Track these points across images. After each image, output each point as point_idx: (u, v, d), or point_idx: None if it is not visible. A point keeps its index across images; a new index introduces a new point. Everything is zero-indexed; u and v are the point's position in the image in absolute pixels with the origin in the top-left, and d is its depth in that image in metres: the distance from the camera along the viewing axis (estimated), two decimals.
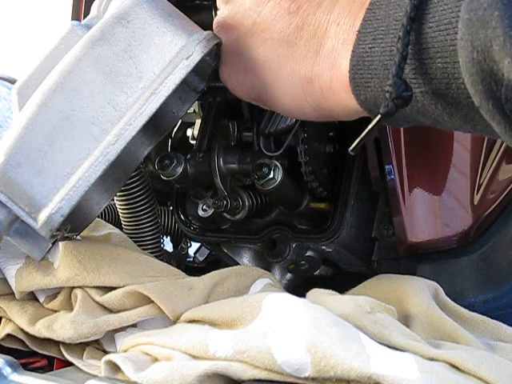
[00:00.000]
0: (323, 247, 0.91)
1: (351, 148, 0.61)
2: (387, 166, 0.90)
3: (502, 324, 0.81)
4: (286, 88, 0.69)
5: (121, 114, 0.72)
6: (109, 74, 0.72)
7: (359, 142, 0.60)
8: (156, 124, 0.89)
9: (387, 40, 0.58)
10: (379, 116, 0.57)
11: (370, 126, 0.59)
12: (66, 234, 0.83)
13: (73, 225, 0.84)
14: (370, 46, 0.59)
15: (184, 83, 0.85)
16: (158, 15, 0.73)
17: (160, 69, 0.72)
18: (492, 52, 0.46)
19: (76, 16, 1.19)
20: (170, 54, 0.73)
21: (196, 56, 0.72)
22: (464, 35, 0.48)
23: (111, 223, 1.03)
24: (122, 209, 1.00)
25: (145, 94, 0.72)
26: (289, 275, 0.99)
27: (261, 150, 0.89)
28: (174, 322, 0.79)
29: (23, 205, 0.72)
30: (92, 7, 0.81)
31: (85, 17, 0.82)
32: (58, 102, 0.72)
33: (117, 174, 0.89)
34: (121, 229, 1.00)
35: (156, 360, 0.71)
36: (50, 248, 0.79)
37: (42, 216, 0.72)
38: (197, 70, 0.81)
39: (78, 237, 0.88)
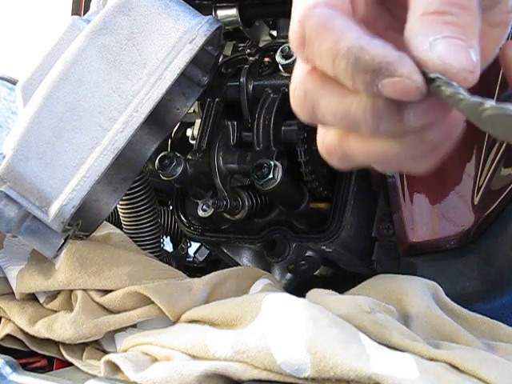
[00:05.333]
0: (323, 247, 0.91)
1: None
2: None
3: (501, 324, 0.81)
4: None
5: (127, 101, 0.72)
6: (113, 62, 0.72)
7: None
8: (161, 120, 0.89)
9: None
10: None
11: None
12: (77, 232, 0.82)
13: (84, 224, 0.83)
14: None
15: (187, 77, 0.85)
16: (158, 2, 0.73)
17: (164, 54, 0.72)
18: None
19: (76, 13, 1.19)
20: (173, 39, 0.73)
21: (199, 39, 0.72)
22: None
23: (111, 223, 1.03)
24: (123, 209, 1.00)
25: (150, 80, 0.72)
26: (289, 275, 0.99)
27: (261, 150, 0.89)
28: (174, 323, 0.79)
29: (34, 199, 0.72)
30: (92, 3, 0.81)
31: (85, 14, 0.82)
32: (63, 93, 0.72)
33: (124, 172, 0.89)
34: (121, 228, 1.00)
35: (156, 360, 0.71)
36: (62, 245, 0.79)
37: (53, 208, 0.71)
38: (199, 61, 0.81)
39: None
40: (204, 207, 0.90)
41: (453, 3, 0.44)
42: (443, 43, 0.43)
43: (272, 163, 0.83)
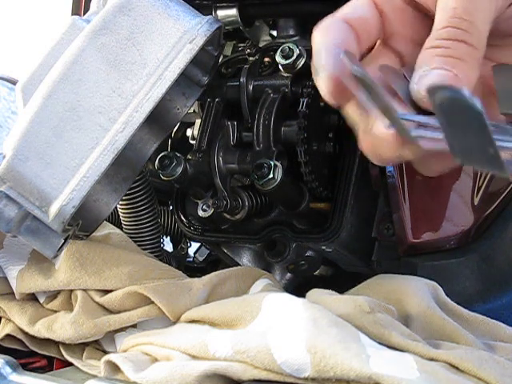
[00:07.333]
0: (323, 247, 0.91)
1: None
2: None
3: (501, 324, 0.81)
4: None
5: (127, 101, 0.72)
6: (113, 62, 0.72)
7: None
8: (161, 120, 0.90)
9: None
10: None
11: None
12: (77, 232, 0.82)
13: (84, 224, 0.84)
14: None
15: (187, 77, 0.85)
16: (158, 2, 0.73)
17: (164, 54, 0.73)
18: None
19: (76, 13, 1.19)
20: (173, 39, 0.73)
21: (199, 39, 0.72)
22: None
23: (111, 223, 1.03)
24: (123, 209, 1.00)
25: (150, 80, 0.72)
26: (289, 275, 0.99)
27: (261, 150, 0.89)
28: (174, 323, 0.79)
29: (33, 199, 0.72)
30: (92, 3, 0.81)
31: (85, 14, 0.82)
32: (63, 93, 0.72)
33: (124, 172, 0.89)
34: (121, 228, 1.00)
35: (155, 360, 0.71)
36: (62, 245, 0.79)
37: (54, 209, 0.71)
38: (199, 61, 0.81)
39: None
40: (204, 207, 0.90)
41: (451, 37, 0.48)
42: (429, 75, 0.47)
43: (272, 163, 0.83)
